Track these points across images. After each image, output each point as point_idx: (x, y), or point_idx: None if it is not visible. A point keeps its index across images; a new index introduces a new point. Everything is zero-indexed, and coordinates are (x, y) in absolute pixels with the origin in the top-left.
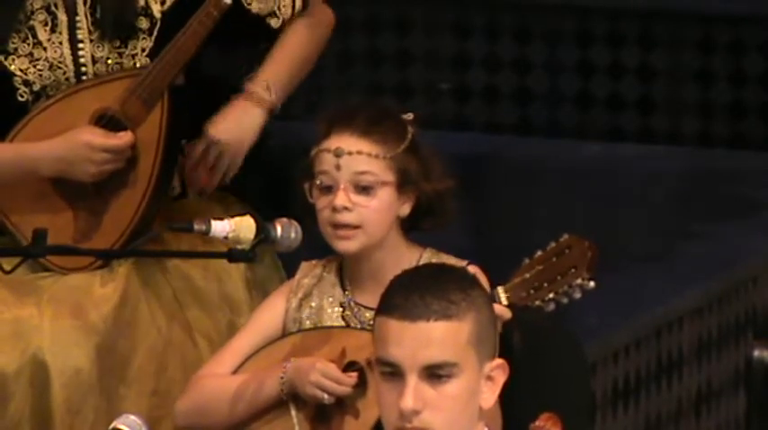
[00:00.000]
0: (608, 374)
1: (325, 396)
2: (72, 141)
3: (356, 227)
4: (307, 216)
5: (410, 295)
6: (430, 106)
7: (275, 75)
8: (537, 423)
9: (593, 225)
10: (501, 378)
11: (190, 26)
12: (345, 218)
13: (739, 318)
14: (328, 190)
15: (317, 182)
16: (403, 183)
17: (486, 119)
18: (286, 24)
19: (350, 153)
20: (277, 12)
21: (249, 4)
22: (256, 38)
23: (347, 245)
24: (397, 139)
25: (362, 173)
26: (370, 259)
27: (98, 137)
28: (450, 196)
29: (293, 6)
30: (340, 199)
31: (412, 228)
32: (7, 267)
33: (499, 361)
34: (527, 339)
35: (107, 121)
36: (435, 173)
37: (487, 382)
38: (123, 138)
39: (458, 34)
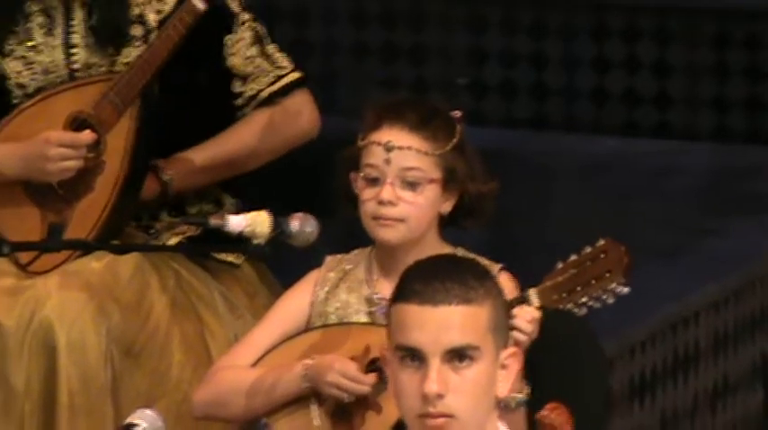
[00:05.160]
0: (624, 370)
1: (345, 395)
2: (31, 140)
3: (399, 220)
4: (336, 205)
5: (430, 281)
6: (447, 101)
7: (193, 166)
8: (543, 412)
9: (609, 220)
10: (515, 366)
11: (163, 32)
12: (390, 212)
13: (755, 313)
14: (374, 182)
15: (364, 173)
16: (448, 182)
17: (502, 114)
18: (249, 111)
19: (400, 148)
20: (248, 80)
21: (229, 56)
22: (215, 88)
23: (389, 233)
24: (446, 137)
25: (411, 168)
26: (406, 254)
27: (55, 132)
28: (493, 198)
29: (268, 86)
30: (386, 193)
31: (449, 225)
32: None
33: (513, 349)
34: (544, 334)
35: (79, 125)
36: (479, 173)
37: (502, 371)
38: (81, 134)
39: (474, 29)
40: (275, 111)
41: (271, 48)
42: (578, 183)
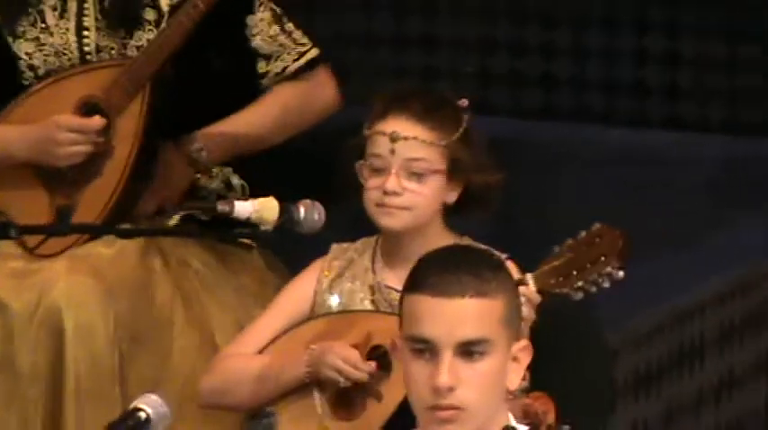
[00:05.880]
0: (629, 361)
1: (341, 379)
2: (42, 124)
3: (403, 208)
4: (344, 194)
5: (443, 272)
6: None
7: (223, 137)
8: (526, 401)
9: (617, 211)
10: (526, 359)
11: (176, 17)
12: (394, 201)
13: (762, 306)
14: (379, 172)
15: (369, 163)
16: (454, 172)
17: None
18: (274, 85)
19: (405, 138)
20: (273, 59)
21: (252, 36)
22: (238, 69)
23: (393, 221)
24: (452, 127)
25: (416, 159)
26: (411, 242)
27: (65, 116)
28: (499, 188)
29: (294, 62)
30: (391, 183)
31: (454, 214)
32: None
33: (524, 342)
34: (547, 323)
35: (89, 109)
36: (486, 163)
37: (513, 364)
38: (91, 120)
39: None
40: (301, 86)
41: (290, 25)
42: (587, 174)
